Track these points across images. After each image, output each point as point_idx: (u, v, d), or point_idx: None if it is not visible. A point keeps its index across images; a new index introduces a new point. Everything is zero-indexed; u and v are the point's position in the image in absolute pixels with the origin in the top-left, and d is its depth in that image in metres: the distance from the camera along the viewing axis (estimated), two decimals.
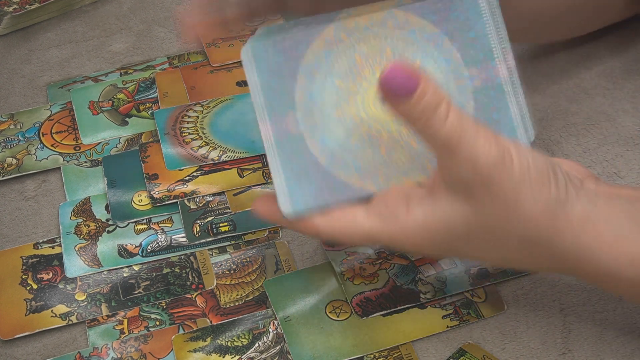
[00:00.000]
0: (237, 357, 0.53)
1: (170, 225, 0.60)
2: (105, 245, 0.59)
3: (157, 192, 0.62)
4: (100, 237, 0.60)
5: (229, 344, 0.53)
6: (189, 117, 0.67)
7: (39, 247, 0.59)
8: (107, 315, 0.55)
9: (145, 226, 0.60)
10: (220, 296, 0.56)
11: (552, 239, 0.45)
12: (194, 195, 0.61)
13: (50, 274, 0.58)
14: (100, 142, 0.66)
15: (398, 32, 0.44)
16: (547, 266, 0.47)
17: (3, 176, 0.64)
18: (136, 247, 0.59)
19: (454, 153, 0.42)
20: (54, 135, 0.67)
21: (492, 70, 0.45)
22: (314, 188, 0.43)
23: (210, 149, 0.65)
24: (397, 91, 0.40)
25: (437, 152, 0.43)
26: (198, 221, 0.60)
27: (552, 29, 0.65)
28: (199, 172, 0.63)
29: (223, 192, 0.62)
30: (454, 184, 0.43)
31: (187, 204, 0.61)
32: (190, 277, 0.57)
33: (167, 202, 0.61)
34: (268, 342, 0.53)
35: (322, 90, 0.43)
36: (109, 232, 0.60)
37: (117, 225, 0.60)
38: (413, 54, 0.44)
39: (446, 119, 0.41)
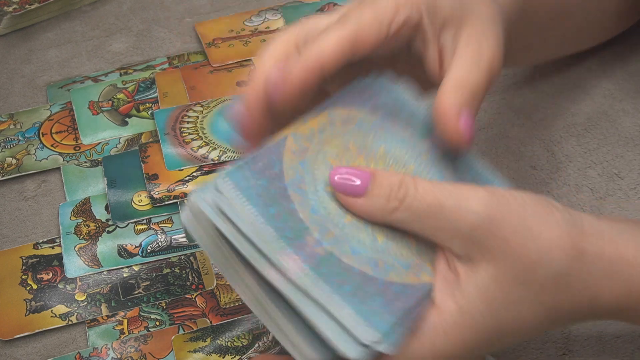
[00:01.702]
0: (237, 357, 0.53)
1: (170, 225, 0.60)
2: (105, 246, 0.59)
3: (157, 192, 0.62)
4: (100, 237, 0.59)
5: (229, 344, 0.53)
6: (189, 117, 0.67)
7: (39, 247, 0.59)
8: (107, 316, 0.55)
9: (145, 226, 0.60)
10: (220, 296, 0.56)
11: (579, 259, 0.42)
12: None
13: (50, 274, 0.58)
14: (100, 142, 0.66)
15: (349, 128, 0.43)
16: (586, 303, 0.43)
17: (3, 176, 0.64)
18: (136, 247, 0.59)
19: (445, 218, 0.40)
20: (53, 135, 0.67)
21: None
22: (381, 303, 0.38)
23: (211, 149, 0.65)
24: (353, 189, 0.41)
25: (428, 229, 0.41)
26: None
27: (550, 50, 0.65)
28: (199, 172, 0.63)
29: None
30: (464, 249, 0.41)
31: None
32: (190, 277, 0.57)
33: (167, 203, 0.61)
34: (268, 342, 0.53)
35: (320, 202, 0.40)
36: (108, 232, 0.60)
37: (117, 226, 0.60)
38: (374, 143, 0.43)
39: (416, 190, 0.41)
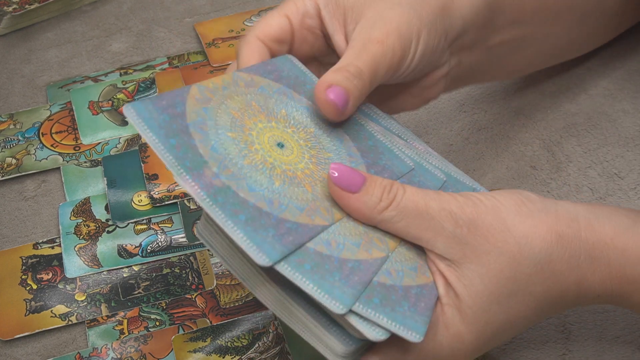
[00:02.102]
0: (237, 357, 0.53)
1: (170, 225, 0.60)
2: (105, 246, 0.59)
3: (157, 193, 0.62)
4: (100, 238, 0.59)
5: (229, 344, 0.53)
6: None
7: (39, 247, 0.59)
8: (106, 316, 0.55)
9: (145, 226, 0.60)
10: (220, 296, 0.56)
11: (558, 242, 0.44)
12: None
13: (50, 274, 0.58)
14: (100, 142, 0.66)
15: (252, 89, 0.47)
16: (574, 287, 0.45)
17: (3, 176, 0.64)
18: (136, 247, 0.59)
19: (430, 217, 0.43)
20: (53, 135, 0.67)
21: None
22: (274, 235, 0.41)
23: None
24: (349, 187, 0.44)
25: (414, 229, 0.43)
26: (198, 221, 0.60)
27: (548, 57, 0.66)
28: None
29: None
30: (447, 250, 0.43)
31: (187, 204, 0.61)
32: (190, 277, 0.57)
33: (167, 203, 0.61)
34: (268, 342, 0.53)
35: (221, 143, 0.43)
36: (108, 232, 0.60)
37: (116, 226, 0.60)
38: (275, 106, 0.47)
39: (404, 192, 0.43)
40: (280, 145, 0.45)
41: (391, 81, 0.50)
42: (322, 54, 0.52)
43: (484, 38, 0.55)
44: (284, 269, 0.40)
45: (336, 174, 0.44)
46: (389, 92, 0.53)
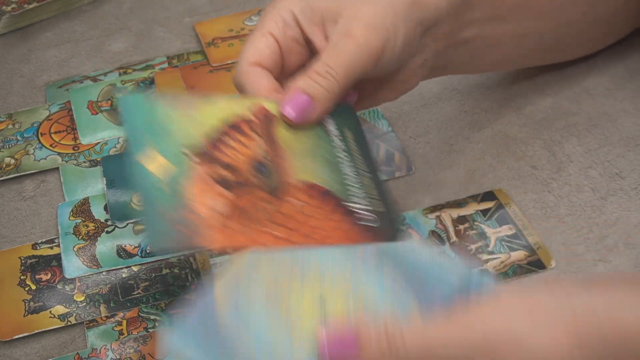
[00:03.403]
0: None
1: None
2: (104, 246, 0.59)
3: None
4: (99, 238, 0.59)
5: None
6: None
7: (38, 248, 0.59)
8: (106, 316, 0.55)
9: (144, 227, 0.60)
10: None
11: (579, 346, 0.39)
12: None
13: (49, 275, 0.57)
14: (99, 142, 0.66)
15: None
16: None
17: (1, 176, 0.64)
18: (135, 247, 0.59)
19: (438, 356, 0.38)
20: (52, 135, 0.67)
21: None
22: None
23: None
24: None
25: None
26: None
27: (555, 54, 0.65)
28: None
29: None
30: None
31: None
32: (189, 277, 0.57)
33: None
34: None
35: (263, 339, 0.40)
36: (108, 232, 0.60)
37: (116, 226, 0.60)
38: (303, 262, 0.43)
39: (403, 339, 0.39)
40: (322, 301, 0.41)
41: (371, 75, 0.50)
42: (310, 62, 0.51)
43: (459, 29, 0.55)
44: None
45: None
46: (367, 87, 0.54)
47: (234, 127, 0.48)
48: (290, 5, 0.51)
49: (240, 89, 0.50)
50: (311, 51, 0.52)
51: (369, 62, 0.49)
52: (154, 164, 0.45)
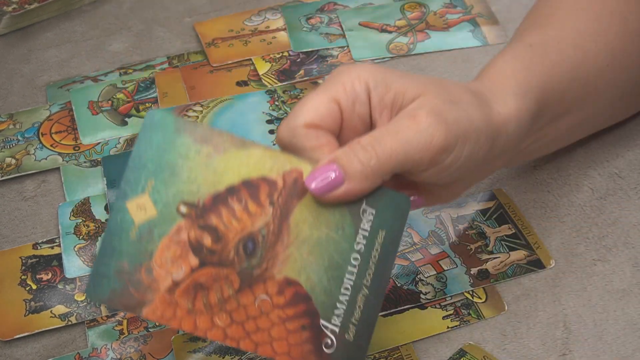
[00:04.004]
0: (237, 357, 0.52)
1: None
2: None
3: None
4: (99, 238, 0.59)
5: None
6: (189, 117, 0.67)
7: (38, 248, 0.59)
8: (106, 316, 0.55)
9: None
10: None
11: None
12: None
13: (50, 275, 0.57)
14: (99, 142, 0.66)
15: None
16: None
17: (2, 176, 0.64)
18: None
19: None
20: (53, 135, 0.67)
21: None
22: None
23: None
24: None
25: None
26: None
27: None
28: None
29: None
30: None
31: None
32: None
33: None
34: None
35: None
36: None
37: None
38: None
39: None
40: None
41: (418, 178, 0.44)
42: None
43: (524, 144, 0.53)
44: None
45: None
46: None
47: (250, 186, 0.42)
48: (366, 75, 0.44)
49: (288, 148, 0.44)
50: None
51: (425, 153, 0.43)
52: (136, 205, 0.41)
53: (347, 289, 0.42)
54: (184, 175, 0.42)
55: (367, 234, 0.43)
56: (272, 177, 0.42)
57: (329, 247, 0.42)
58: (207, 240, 0.42)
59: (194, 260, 0.42)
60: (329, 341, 0.42)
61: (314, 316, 0.42)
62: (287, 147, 0.44)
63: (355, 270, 0.42)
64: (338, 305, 0.42)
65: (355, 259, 0.42)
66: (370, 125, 0.45)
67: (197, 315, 0.41)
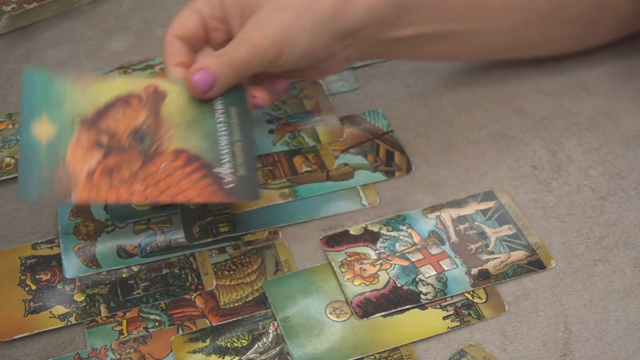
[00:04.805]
0: (236, 358, 0.52)
1: (169, 225, 0.60)
2: (104, 246, 0.59)
3: None
4: (99, 238, 0.59)
5: (228, 344, 0.53)
6: None
7: (38, 248, 0.59)
8: (106, 316, 0.55)
9: (144, 227, 0.60)
10: (219, 297, 0.56)
11: None
12: None
13: (49, 275, 0.57)
14: None
15: None
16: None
17: (1, 176, 0.64)
18: (135, 247, 0.59)
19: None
20: None
21: None
22: None
23: None
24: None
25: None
26: (197, 222, 0.60)
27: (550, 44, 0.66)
28: None
29: None
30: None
31: (187, 204, 0.61)
32: (189, 277, 0.57)
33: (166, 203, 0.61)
34: (268, 343, 0.53)
35: None
36: (107, 232, 0.60)
37: (116, 226, 0.60)
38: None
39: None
40: None
41: (273, 71, 0.57)
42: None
43: (388, 31, 0.59)
44: None
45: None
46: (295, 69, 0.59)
47: (123, 100, 0.55)
48: None
49: (162, 56, 0.58)
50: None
51: (262, 66, 0.56)
52: (39, 129, 0.53)
53: (224, 145, 0.55)
54: (68, 103, 0.54)
55: (222, 109, 0.57)
56: (136, 92, 0.56)
57: (198, 124, 0.56)
58: (104, 138, 0.54)
59: (99, 153, 0.53)
60: (227, 179, 0.54)
61: (208, 168, 0.54)
62: (162, 55, 0.58)
63: (225, 132, 0.56)
64: (223, 156, 0.55)
65: (221, 126, 0.56)
66: (228, 28, 0.59)
67: (118, 188, 0.53)
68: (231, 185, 0.54)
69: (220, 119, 0.56)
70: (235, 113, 0.57)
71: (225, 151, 0.55)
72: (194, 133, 0.55)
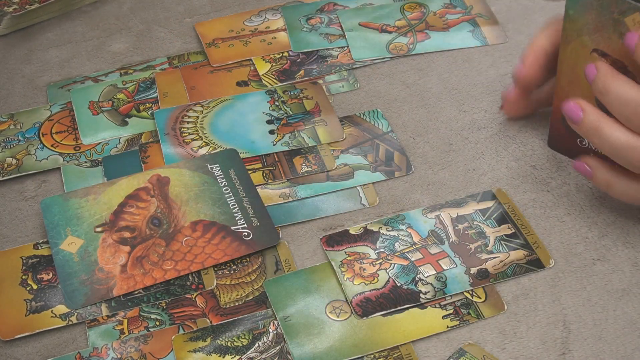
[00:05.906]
0: (237, 357, 0.53)
1: None
2: None
3: None
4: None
5: (229, 344, 0.53)
6: (189, 117, 0.67)
7: (39, 248, 0.59)
8: (107, 316, 0.55)
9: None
10: (220, 296, 0.56)
11: None
12: None
13: (50, 274, 0.58)
14: (100, 142, 0.66)
15: None
16: None
17: (3, 176, 0.64)
18: None
19: None
20: (53, 135, 0.67)
21: None
22: None
23: (211, 149, 0.65)
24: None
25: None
26: None
27: None
28: None
29: None
30: None
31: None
32: (190, 277, 0.57)
33: None
34: (268, 342, 0.53)
35: None
36: None
37: None
38: None
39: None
40: None
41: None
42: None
43: None
44: None
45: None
46: None
47: (133, 196, 0.60)
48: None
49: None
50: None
51: None
52: (68, 245, 0.58)
53: (233, 205, 0.60)
54: (86, 216, 0.59)
55: (221, 174, 0.62)
56: (142, 186, 0.61)
57: (205, 194, 0.61)
58: (126, 234, 0.58)
59: (126, 248, 0.58)
60: (245, 233, 0.58)
61: (225, 229, 0.59)
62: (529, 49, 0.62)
63: (230, 194, 0.61)
64: (235, 215, 0.59)
65: (226, 189, 0.61)
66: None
67: (151, 272, 0.56)
68: (250, 237, 0.58)
69: (223, 183, 0.61)
70: (234, 174, 0.62)
71: (236, 209, 0.59)
72: (203, 203, 0.60)
